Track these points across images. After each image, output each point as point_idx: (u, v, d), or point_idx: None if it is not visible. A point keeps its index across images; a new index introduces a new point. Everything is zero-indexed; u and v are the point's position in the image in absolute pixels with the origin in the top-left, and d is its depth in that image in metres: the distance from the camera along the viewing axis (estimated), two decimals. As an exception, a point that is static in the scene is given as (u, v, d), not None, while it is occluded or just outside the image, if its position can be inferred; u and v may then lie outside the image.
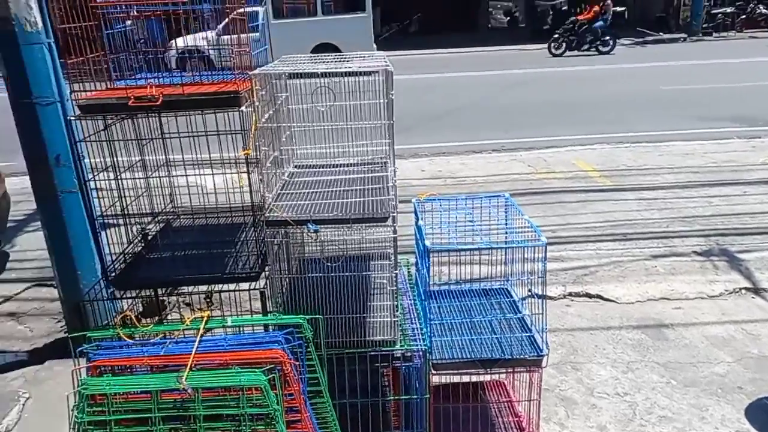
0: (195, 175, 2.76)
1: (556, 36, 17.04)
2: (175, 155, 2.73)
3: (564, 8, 23.35)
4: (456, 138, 8.12)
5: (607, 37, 16.86)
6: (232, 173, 2.45)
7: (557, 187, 5.87)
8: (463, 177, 6.37)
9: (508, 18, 25.41)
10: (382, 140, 2.62)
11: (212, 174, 2.61)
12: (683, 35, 19.99)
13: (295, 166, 2.85)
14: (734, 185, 5.67)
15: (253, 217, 2.40)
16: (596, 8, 16.87)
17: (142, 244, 2.63)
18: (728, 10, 20.72)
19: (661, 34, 20.83)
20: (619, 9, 18.08)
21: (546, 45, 17.13)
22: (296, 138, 2.81)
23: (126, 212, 2.43)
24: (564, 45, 16.84)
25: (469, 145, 7.70)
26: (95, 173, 2.29)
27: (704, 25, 19.99)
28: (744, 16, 20.56)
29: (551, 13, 22.73)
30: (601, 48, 16.89)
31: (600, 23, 16.81)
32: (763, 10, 20.61)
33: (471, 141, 7.91)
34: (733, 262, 4.19)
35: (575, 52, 16.81)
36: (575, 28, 16.92)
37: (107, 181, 2.33)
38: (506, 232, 2.48)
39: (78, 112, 2.06)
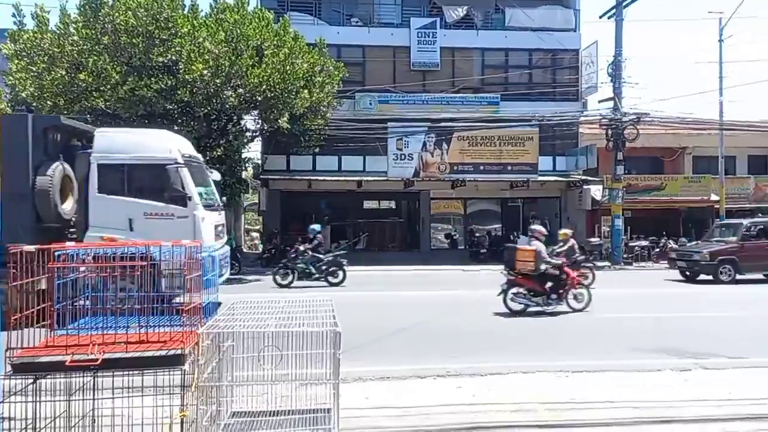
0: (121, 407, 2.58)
1: None
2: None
3: (499, 234, 25.57)
4: (401, 360, 8.07)
5: None
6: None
7: (502, 421, 5.74)
8: (407, 407, 6.18)
9: (449, 240, 27.44)
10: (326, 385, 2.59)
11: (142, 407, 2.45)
12: (608, 263, 21.92)
13: (234, 414, 2.73)
14: (675, 423, 5.71)
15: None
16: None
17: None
18: (643, 243, 23.23)
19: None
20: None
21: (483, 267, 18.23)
22: (239, 380, 2.73)
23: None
24: None
25: (414, 370, 7.63)
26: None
27: (624, 256, 22.10)
28: (658, 250, 23.02)
29: (487, 237, 24.77)
30: None
31: None
32: (673, 245, 23.20)
33: (416, 365, 7.86)
34: None
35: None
36: None
37: None
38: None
39: (10, 370, 1.96)
